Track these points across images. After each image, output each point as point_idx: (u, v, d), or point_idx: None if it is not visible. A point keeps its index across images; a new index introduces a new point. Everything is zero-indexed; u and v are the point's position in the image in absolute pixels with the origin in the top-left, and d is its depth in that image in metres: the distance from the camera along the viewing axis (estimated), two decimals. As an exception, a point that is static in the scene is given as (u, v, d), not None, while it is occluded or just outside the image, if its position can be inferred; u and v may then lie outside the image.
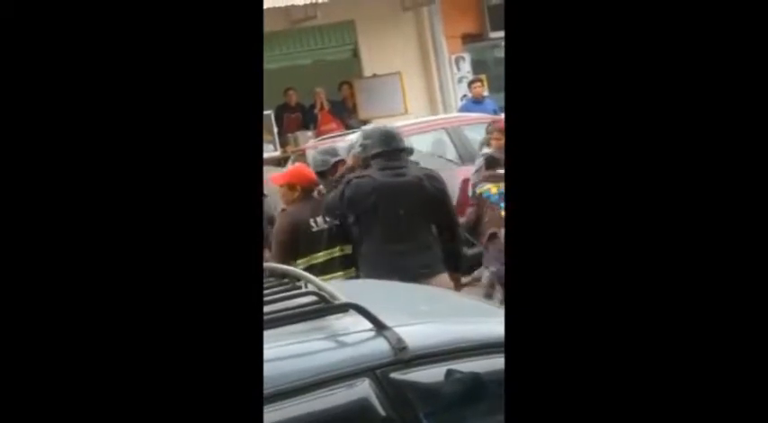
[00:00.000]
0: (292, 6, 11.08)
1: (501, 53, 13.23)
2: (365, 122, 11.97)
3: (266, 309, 2.42)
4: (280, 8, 10.69)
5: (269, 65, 10.34)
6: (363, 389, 2.27)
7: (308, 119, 11.68)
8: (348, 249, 4.78)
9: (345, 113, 12.08)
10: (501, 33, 12.30)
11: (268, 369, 2.11)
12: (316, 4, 11.01)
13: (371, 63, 12.29)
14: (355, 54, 12.84)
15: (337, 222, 4.76)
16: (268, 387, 2.08)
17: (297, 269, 3.36)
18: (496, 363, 2.42)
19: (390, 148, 4.78)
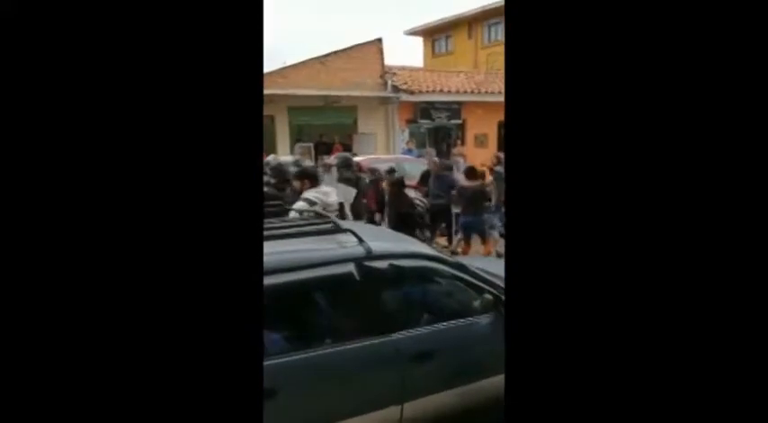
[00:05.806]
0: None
1: (424, 129, 20.31)
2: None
3: (307, 229, 3.95)
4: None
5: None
6: (350, 267, 3.65)
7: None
8: None
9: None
10: (425, 122, 19.34)
11: (303, 254, 3.48)
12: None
13: (362, 128, 18.81)
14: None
15: None
16: (302, 262, 3.39)
17: (323, 211, 4.89)
18: (414, 262, 3.99)
19: (348, 165, 8.93)
